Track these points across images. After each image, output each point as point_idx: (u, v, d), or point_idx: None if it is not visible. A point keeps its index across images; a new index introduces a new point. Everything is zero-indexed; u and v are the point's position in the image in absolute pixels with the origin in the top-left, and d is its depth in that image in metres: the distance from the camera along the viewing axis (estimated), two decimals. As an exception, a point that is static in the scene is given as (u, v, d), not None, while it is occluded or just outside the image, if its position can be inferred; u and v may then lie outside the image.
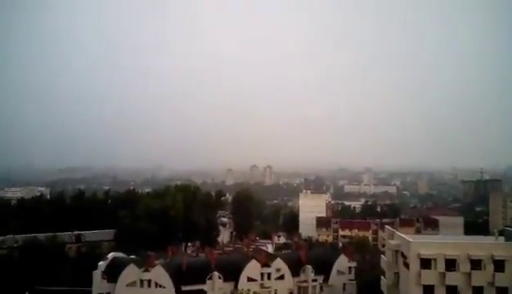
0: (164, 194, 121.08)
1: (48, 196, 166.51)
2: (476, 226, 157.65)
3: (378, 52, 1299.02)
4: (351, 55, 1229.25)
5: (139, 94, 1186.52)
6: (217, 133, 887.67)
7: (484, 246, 46.29)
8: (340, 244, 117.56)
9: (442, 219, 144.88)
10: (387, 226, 66.87)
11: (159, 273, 60.71)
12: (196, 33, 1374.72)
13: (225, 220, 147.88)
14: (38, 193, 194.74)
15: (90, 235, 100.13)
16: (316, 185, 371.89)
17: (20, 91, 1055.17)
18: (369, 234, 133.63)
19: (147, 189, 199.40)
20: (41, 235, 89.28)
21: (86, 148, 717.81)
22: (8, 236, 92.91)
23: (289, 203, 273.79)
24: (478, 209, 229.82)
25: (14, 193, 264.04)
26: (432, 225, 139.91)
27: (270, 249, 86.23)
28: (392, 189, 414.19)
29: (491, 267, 43.54)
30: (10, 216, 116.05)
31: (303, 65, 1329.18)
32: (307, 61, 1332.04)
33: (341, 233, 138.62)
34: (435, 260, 44.68)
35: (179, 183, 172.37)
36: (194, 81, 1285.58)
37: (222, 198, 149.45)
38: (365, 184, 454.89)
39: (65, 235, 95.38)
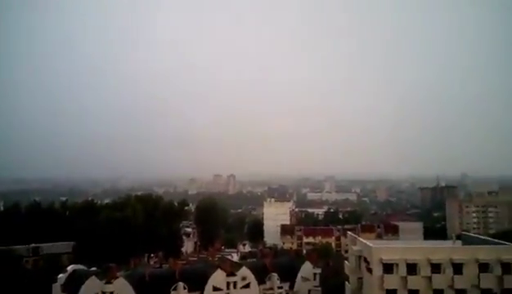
0: (125, 205, 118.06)
1: (2, 208, 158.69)
2: (434, 231, 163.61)
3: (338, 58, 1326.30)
4: (316, 61, 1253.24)
5: (100, 104, 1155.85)
6: (178, 142, 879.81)
7: (443, 250, 48.00)
8: (304, 251, 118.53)
9: (401, 224, 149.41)
10: (349, 232, 68.05)
11: (121, 285, 58.93)
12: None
13: (189, 229, 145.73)
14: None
15: (48, 248, 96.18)
16: (279, 194, 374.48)
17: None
18: (332, 241, 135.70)
19: (107, 200, 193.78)
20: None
21: (43, 157, 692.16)
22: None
23: (254, 212, 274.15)
24: (435, 215, 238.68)
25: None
26: (392, 231, 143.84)
27: (235, 258, 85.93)
28: (352, 197, 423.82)
29: (450, 270, 45.03)
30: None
31: (270, 72, 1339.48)
32: (277, 68, 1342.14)
33: (305, 240, 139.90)
34: (397, 264, 45.77)
35: (140, 193, 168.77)
36: (160, 89, 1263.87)
37: (186, 207, 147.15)
38: (327, 192, 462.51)
39: (22, 248, 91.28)
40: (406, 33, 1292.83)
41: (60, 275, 62.06)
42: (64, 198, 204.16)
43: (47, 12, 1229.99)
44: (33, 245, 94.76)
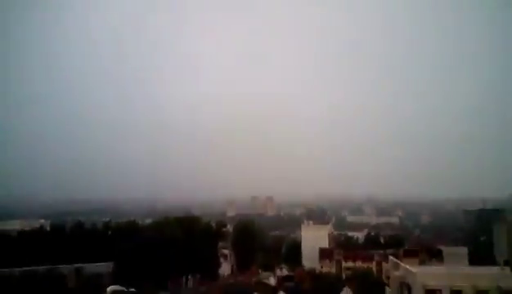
0: (164, 226, 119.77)
1: (48, 228, 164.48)
2: (480, 256, 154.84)
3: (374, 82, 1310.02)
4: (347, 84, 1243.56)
5: (138, 126, 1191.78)
6: (217, 164, 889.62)
7: (490, 276, 45.43)
8: (344, 276, 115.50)
9: (445, 249, 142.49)
10: (391, 257, 65.80)
11: (159, 307, 59.41)
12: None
13: (226, 251, 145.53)
14: (38, 226, 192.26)
15: (89, 268, 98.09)
16: (318, 216, 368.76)
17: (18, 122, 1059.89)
18: (373, 266, 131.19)
19: (147, 220, 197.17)
20: (40, 268, 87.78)
21: (86, 179, 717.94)
22: (5, 269, 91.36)
23: (292, 234, 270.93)
24: (481, 239, 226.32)
25: (13, 226, 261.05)
26: (436, 256, 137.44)
27: (272, 281, 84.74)
28: (394, 220, 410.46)
29: (497, 298, 42.55)
30: (9, 248, 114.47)
31: (304, 97, 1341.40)
32: (308, 93, 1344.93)
33: (344, 264, 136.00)
34: (441, 291, 43.79)
35: (179, 214, 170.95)
36: (192, 112, 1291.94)
37: (223, 229, 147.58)
38: (367, 215, 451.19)
39: (65, 268, 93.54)
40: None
41: (100, 296, 63.09)
42: (107, 219, 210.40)
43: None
44: (75, 265, 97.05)
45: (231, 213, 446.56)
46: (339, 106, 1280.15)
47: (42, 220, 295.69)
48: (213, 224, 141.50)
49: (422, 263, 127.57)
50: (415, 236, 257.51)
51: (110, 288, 67.59)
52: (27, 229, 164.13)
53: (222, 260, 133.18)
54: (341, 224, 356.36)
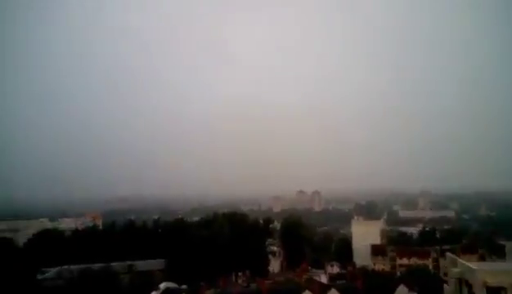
0: (212, 223, 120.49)
1: (100, 226, 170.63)
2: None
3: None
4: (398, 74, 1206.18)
5: (183, 125, 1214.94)
6: (261, 159, 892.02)
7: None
8: (398, 273, 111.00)
9: (508, 244, 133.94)
10: (448, 253, 61.95)
11: (210, 305, 59.04)
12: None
13: (274, 248, 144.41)
14: (91, 224, 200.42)
15: (141, 265, 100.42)
16: (368, 211, 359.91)
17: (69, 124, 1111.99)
18: (429, 262, 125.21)
19: (195, 218, 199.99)
20: (95, 265, 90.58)
21: (134, 177, 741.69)
22: (64, 267, 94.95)
23: (341, 230, 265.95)
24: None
25: (67, 224, 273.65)
26: (497, 251, 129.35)
27: (323, 279, 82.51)
28: (450, 213, 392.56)
29: None
30: (64, 246, 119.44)
31: (342, 85, 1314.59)
32: (348, 82, 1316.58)
33: (399, 261, 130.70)
34: (504, 289, 40.33)
35: (226, 211, 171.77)
36: (234, 105, 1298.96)
37: (271, 225, 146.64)
38: (421, 209, 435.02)
39: (118, 265, 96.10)
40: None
41: (153, 292, 63.74)
42: (156, 217, 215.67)
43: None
44: (128, 262, 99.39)
45: (277, 209, 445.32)
46: (381, 98, 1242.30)
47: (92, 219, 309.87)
48: (261, 221, 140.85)
49: (482, 259, 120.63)
50: (474, 230, 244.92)
51: (162, 285, 68.40)
52: (80, 228, 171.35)
53: (270, 256, 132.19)
54: (393, 219, 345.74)
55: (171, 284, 70.97)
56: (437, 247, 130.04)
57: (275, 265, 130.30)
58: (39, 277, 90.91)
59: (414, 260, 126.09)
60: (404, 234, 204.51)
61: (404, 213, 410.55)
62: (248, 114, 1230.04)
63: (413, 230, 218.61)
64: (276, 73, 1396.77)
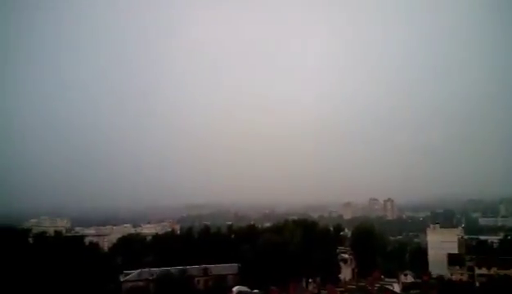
0: (283, 229, 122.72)
1: (178, 231, 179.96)
2: None
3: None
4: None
5: (251, 131, 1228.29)
6: (332, 166, 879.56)
7: None
8: (477, 284, 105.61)
9: None
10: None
11: (282, 309, 61.07)
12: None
13: (345, 256, 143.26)
14: (170, 229, 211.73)
15: (216, 269, 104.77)
16: (445, 218, 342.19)
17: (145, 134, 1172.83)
18: (510, 273, 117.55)
19: (267, 224, 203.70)
20: (172, 268, 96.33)
21: (208, 185, 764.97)
22: (144, 269, 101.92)
23: (416, 239, 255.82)
24: None
25: (149, 230, 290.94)
26: None
27: (397, 288, 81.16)
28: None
29: None
30: (146, 250, 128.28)
31: (408, 87, 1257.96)
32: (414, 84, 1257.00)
33: (477, 271, 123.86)
34: None
35: (296, 218, 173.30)
36: (302, 113, 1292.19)
37: (341, 232, 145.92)
38: (502, 216, 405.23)
39: (194, 268, 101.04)
40: None
41: (227, 295, 66.90)
42: (229, 223, 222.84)
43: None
44: (203, 266, 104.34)
45: (347, 216, 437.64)
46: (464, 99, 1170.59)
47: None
48: (331, 228, 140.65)
49: None
50: None
51: (235, 288, 71.57)
52: (160, 232, 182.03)
53: (342, 264, 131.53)
54: (472, 227, 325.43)
55: (243, 288, 73.75)
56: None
57: (346, 273, 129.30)
58: (122, 278, 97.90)
59: (494, 270, 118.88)
60: (484, 243, 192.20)
61: (484, 221, 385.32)
62: (310, 123, 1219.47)
63: (494, 239, 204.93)
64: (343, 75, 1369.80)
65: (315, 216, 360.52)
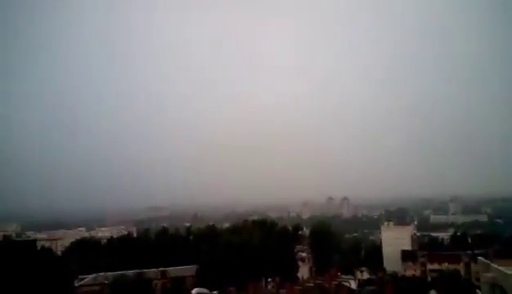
0: (242, 229, 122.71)
1: (135, 234, 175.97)
2: None
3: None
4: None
5: (209, 132, 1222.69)
6: (290, 165, 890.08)
7: None
8: (429, 279, 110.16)
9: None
10: (480, 258, 61.61)
11: (241, 310, 60.90)
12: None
13: (303, 254, 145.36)
14: (126, 232, 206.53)
15: (174, 271, 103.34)
16: (398, 217, 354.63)
17: (99, 134, 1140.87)
18: (460, 267, 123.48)
19: (226, 225, 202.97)
20: (129, 272, 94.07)
21: (165, 186, 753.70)
22: (100, 273, 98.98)
23: (371, 236, 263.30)
24: None
25: (104, 233, 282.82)
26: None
27: (353, 285, 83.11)
28: (483, 218, 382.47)
29: None
30: (100, 254, 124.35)
31: (367, 88, 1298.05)
32: (373, 86, 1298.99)
33: (429, 266, 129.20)
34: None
35: (256, 218, 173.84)
36: (260, 111, 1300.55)
37: (300, 231, 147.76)
38: (452, 214, 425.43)
39: (151, 271, 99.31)
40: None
41: (186, 298, 66.03)
42: (188, 224, 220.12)
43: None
44: (161, 268, 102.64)
45: (305, 215, 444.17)
46: (421, 104, 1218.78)
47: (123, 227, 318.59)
48: (290, 228, 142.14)
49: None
50: (508, 234, 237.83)
51: (194, 291, 70.71)
52: (116, 236, 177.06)
53: (299, 263, 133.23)
54: (424, 224, 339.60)
55: (202, 290, 73.06)
56: (469, 252, 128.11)
57: (304, 271, 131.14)
58: (76, 283, 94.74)
59: (445, 266, 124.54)
60: (435, 239, 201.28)
61: (435, 218, 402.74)
62: (273, 120, 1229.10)
63: (444, 235, 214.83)
64: (302, 79, 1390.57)
65: (274, 216, 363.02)
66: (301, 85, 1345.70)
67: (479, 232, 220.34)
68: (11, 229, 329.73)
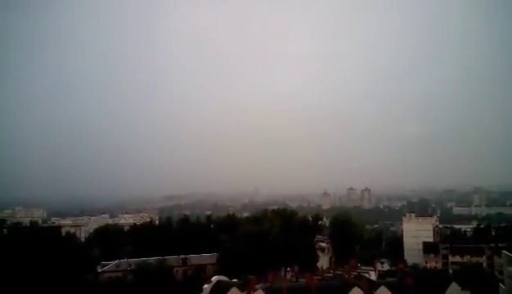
0: (262, 219, 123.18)
1: (157, 222, 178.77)
2: None
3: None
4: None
5: (230, 124, 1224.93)
6: (311, 156, 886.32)
7: None
8: (451, 271, 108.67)
9: None
10: (504, 251, 60.46)
11: (261, 297, 61.38)
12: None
13: (323, 244, 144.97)
14: (148, 220, 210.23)
15: (195, 259, 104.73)
16: (420, 208, 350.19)
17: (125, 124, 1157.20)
18: (483, 260, 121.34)
19: (246, 214, 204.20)
20: (151, 259, 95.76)
21: (188, 175, 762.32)
22: (122, 260, 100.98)
23: (392, 228, 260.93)
24: None
25: (126, 220, 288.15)
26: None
27: (373, 276, 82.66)
28: (507, 210, 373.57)
29: None
30: (123, 240, 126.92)
31: (393, 80, 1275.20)
32: (398, 77, 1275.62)
33: (451, 259, 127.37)
34: None
35: (276, 207, 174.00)
36: (280, 104, 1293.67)
37: (320, 222, 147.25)
38: (476, 206, 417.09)
39: (173, 259, 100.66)
40: None
41: (205, 285, 66.84)
42: (209, 213, 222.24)
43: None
44: (182, 256, 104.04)
45: (326, 206, 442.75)
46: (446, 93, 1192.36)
47: (152, 214, 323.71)
48: (310, 218, 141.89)
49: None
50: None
51: (214, 278, 71.39)
52: (138, 223, 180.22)
53: (319, 253, 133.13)
54: (447, 216, 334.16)
55: (222, 277, 73.79)
56: (493, 245, 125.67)
57: (324, 261, 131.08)
58: (99, 269, 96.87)
59: (467, 258, 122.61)
60: (458, 232, 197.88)
61: (458, 210, 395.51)
62: (293, 112, 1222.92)
63: (467, 228, 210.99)
64: (328, 69, 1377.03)
65: (294, 206, 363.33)
66: (327, 75, 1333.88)
67: (503, 225, 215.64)
68: (38, 216, 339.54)
